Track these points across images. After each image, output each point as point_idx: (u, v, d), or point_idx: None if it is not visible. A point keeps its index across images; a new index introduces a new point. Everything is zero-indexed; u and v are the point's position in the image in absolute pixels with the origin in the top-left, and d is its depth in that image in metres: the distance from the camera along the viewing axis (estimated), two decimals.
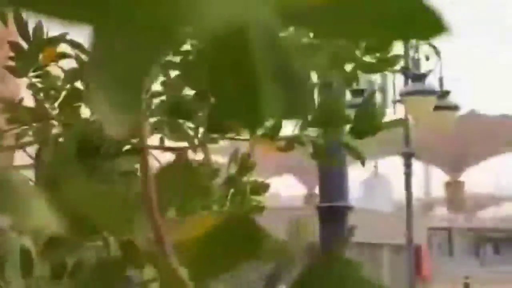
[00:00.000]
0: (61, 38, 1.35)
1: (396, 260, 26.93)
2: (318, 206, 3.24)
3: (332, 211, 3.11)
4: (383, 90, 11.70)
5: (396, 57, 1.27)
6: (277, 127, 1.16)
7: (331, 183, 3.14)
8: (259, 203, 1.49)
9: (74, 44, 1.32)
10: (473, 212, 73.96)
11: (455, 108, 10.79)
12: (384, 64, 1.26)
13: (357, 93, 10.97)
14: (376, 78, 11.77)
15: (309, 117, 1.15)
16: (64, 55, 1.37)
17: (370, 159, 46.33)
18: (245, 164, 1.41)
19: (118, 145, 1.02)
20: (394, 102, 11.46)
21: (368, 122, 1.17)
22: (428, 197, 74.17)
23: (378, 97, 11.95)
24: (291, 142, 1.19)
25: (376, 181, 39.47)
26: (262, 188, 1.47)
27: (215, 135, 1.20)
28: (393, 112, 11.79)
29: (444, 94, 10.76)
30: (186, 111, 1.12)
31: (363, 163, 1.25)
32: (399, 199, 14.14)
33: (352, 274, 0.47)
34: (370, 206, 34.18)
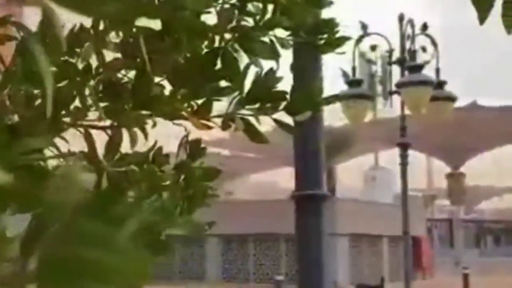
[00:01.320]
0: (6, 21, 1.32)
1: (395, 251, 26.98)
2: (294, 194, 3.21)
3: (308, 200, 3.08)
4: (382, 81, 11.67)
5: (343, 39, 1.24)
6: (208, 104, 1.13)
7: (307, 171, 3.11)
8: (212, 189, 1.46)
9: (19, 26, 1.29)
10: (474, 203, 73.95)
11: (452, 98, 10.74)
12: (330, 46, 1.23)
13: (355, 83, 10.85)
14: (377, 69, 11.79)
15: (244, 94, 1.12)
16: (10, 37, 1.34)
17: (371, 151, 46.22)
18: (195, 150, 1.38)
19: (30, 122, 1.01)
20: (391, 93, 11.43)
21: (304, 98, 1.14)
22: (430, 188, 74.10)
23: (378, 88, 11.91)
24: (226, 120, 1.15)
25: (377, 173, 39.47)
26: (213, 174, 1.44)
27: (145, 113, 1.17)
28: (389, 103, 11.78)
29: (441, 84, 10.70)
30: (117, 91, 1.10)
31: (295, 135, 1.22)
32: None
33: (95, 230, 0.45)
34: (371, 197, 34.21)
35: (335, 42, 1.21)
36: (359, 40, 11.04)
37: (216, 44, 1.10)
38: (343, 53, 1.26)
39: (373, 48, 11.09)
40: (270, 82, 1.13)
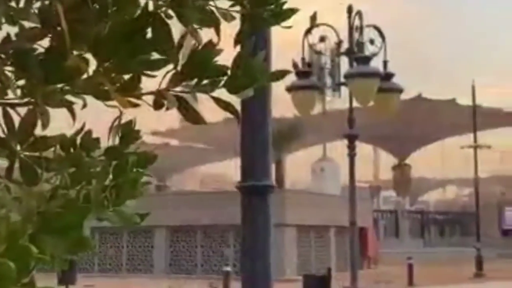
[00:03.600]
0: None
1: (342, 241, 27.30)
2: (240, 185, 3.12)
3: (255, 190, 2.99)
4: (332, 72, 11.69)
5: (291, 11, 1.14)
6: (136, 79, 1.01)
7: (254, 161, 3.02)
8: (147, 176, 1.34)
9: None
10: (419, 195, 75.67)
11: (399, 90, 10.83)
12: (277, 18, 1.13)
13: (304, 74, 10.78)
14: (326, 61, 11.79)
15: (178, 68, 1.01)
16: None
17: (320, 142, 46.66)
18: (128, 133, 1.26)
19: None
20: (339, 84, 11.46)
21: (246, 74, 1.03)
22: (376, 180, 75.41)
23: (327, 79, 11.92)
24: (158, 98, 1.04)
25: (325, 165, 39.87)
26: (149, 160, 1.32)
27: (64, 89, 1.04)
28: (338, 94, 11.82)
29: (388, 76, 10.77)
30: (30, 63, 0.97)
31: (236, 116, 1.11)
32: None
33: None
34: (319, 189, 34.52)
35: (282, 14, 1.11)
36: (308, 31, 11.01)
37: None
38: (290, 27, 1.16)
39: (322, 39, 11.08)
40: (208, 55, 1.02)
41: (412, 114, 46.30)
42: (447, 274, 27.69)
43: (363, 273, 22.99)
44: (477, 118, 30.14)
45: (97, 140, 1.32)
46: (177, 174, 68.40)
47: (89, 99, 1.19)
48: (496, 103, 70.14)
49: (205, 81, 1.05)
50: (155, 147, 1.50)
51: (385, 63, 10.82)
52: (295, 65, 10.62)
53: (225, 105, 1.07)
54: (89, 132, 1.35)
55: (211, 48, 1.04)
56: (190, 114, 1.06)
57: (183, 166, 67.14)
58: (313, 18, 11.20)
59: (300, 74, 10.44)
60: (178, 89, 1.05)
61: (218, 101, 1.07)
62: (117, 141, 1.30)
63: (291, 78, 10.53)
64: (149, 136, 57.44)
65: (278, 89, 10.69)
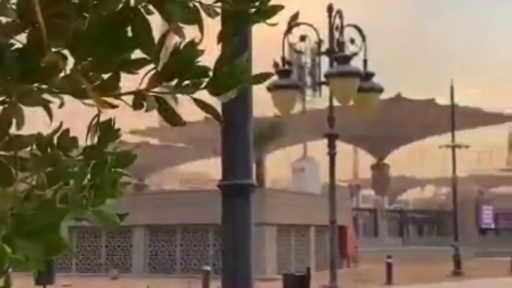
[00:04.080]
0: None
1: (322, 240, 27.38)
2: (221, 184, 3.10)
3: (235, 189, 2.97)
4: (312, 72, 11.69)
5: (276, 8, 1.11)
6: (115, 78, 0.98)
7: (235, 160, 3.00)
8: (126, 176, 1.31)
9: None
10: (398, 193, 76.23)
11: (379, 90, 10.86)
12: (262, 15, 1.10)
13: (284, 73, 10.75)
14: (306, 60, 11.79)
15: (159, 68, 0.98)
16: None
17: (300, 141, 46.75)
18: (107, 132, 1.23)
19: None
20: (320, 83, 11.47)
21: (228, 75, 1.01)
22: (356, 179, 75.79)
23: (308, 78, 11.92)
24: (138, 98, 1.01)
25: (306, 164, 39.96)
26: (128, 159, 1.29)
27: (41, 88, 1.01)
28: (318, 94, 11.83)
29: (369, 76, 10.80)
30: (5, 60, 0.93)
31: (218, 119, 1.09)
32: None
33: None
34: (300, 188, 34.57)
35: (268, 11, 1.09)
36: (289, 30, 11.00)
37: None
38: (275, 24, 1.14)
39: (302, 38, 11.07)
40: (190, 55, 0.99)
41: (391, 114, 46.61)
42: (426, 272, 27.91)
43: (342, 272, 23.08)
44: (455, 118, 30.41)
45: (75, 139, 1.29)
46: (157, 173, 68.13)
47: (68, 97, 1.15)
48: (475, 103, 70.82)
49: (186, 82, 1.02)
50: (135, 146, 1.46)
51: (365, 62, 10.84)
52: (276, 64, 10.61)
53: (207, 108, 1.04)
54: (67, 131, 1.32)
55: (193, 48, 1.01)
56: (170, 116, 1.03)
57: (163, 165, 66.89)
58: (294, 17, 11.21)
59: (280, 73, 10.42)
60: (158, 89, 1.02)
61: (199, 103, 1.04)
62: (95, 140, 1.27)
63: (271, 77, 10.52)
64: (128, 135, 57.13)
65: (258, 88, 10.66)
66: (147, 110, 1.02)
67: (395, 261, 24.07)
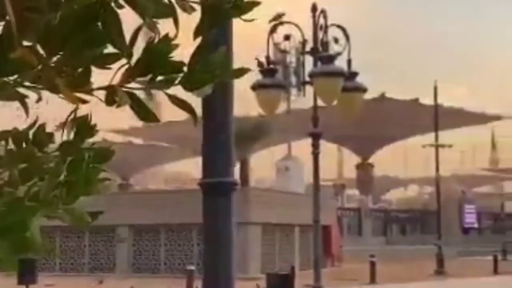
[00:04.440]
0: None
1: (306, 240, 27.42)
2: (201, 182, 3.08)
3: (216, 187, 2.96)
4: (296, 71, 11.69)
5: (253, 3, 1.10)
6: (87, 73, 0.97)
7: (215, 158, 2.98)
8: (104, 173, 1.29)
9: None
10: (382, 193, 76.58)
11: (362, 89, 10.89)
12: (239, 10, 1.09)
13: (268, 73, 10.74)
14: (291, 60, 11.79)
15: (133, 63, 0.97)
16: None
17: (285, 141, 46.84)
18: (83, 128, 1.21)
19: None
20: (304, 83, 11.47)
21: (204, 70, 0.99)
22: (340, 178, 75.99)
23: (292, 78, 11.92)
24: (110, 94, 0.99)
25: (290, 163, 40.02)
26: (105, 156, 1.27)
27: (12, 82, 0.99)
28: (302, 93, 11.84)
29: (352, 75, 10.82)
30: None
31: (193, 116, 1.07)
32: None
33: None
34: (284, 187, 34.61)
35: (244, 7, 1.07)
36: (273, 29, 10.99)
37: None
38: (251, 20, 1.12)
39: (287, 37, 11.07)
40: (164, 50, 0.97)
41: (376, 114, 46.79)
42: (409, 271, 28.06)
43: (326, 271, 23.13)
44: (439, 118, 30.61)
45: (51, 134, 1.27)
46: (141, 173, 67.85)
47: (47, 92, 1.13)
48: (459, 103, 71.43)
49: (160, 78, 1.00)
50: (113, 144, 1.45)
51: (349, 62, 10.85)
52: (259, 63, 10.59)
53: (182, 104, 1.03)
54: (43, 126, 1.30)
55: (167, 42, 0.99)
56: (143, 112, 1.02)
57: (147, 165, 66.62)
58: (279, 16, 11.22)
59: (264, 72, 10.41)
60: (131, 85, 1.00)
61: (173, 99, 1.03)
62: (72, 136, 1.25)
63: (256, 77, 10.50)
64: (111, 134, 56.77)
65: (242, 87, 10.65)
66: (118, 106, 1.00)
67: (378, 260, 24.17)
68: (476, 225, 57.48)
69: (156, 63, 0.97)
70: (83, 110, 1.25)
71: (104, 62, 0.99)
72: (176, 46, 1.01)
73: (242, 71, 1.12)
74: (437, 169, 30.80)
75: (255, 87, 10.24)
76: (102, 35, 0.94)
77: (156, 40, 1.00)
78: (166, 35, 1.00)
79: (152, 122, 1.04)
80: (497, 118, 57.23)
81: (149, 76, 1.00)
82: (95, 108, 1.23)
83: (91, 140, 1.32)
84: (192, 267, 19.90)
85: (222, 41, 2.87)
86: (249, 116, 42.03)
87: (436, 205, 32.50)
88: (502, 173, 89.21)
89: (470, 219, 56.59)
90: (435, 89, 31.31)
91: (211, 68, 1.00)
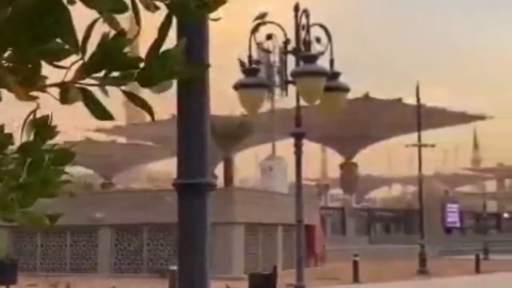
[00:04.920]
0: None
1: (289, 239, 27.44)
2: (176, 182, 3.04)
3: (191, 188, 2.92)
4: (280, 71, 11.67)
5: (218, 2, 1.07)
6: (37, 70, 0.93)
7: (190, 158, 2.94)
8: (67, 175, 1.25)
9: None
10: (366, 192, 76.89)
11: (345, 89, 10.89)
12: (204, 9, 1.06)
13: (251, 72, 10.71)
14: (275, 59, 11.76)
15: (86, 58, 0.93)
16: None
17: (269, 140, 46.83)
18: (43, 130, 1.17)
19: None
20: (286, 82, 11.45)
21: (160, 66, 0.96)
22: (324, 178, 76.21)
23: (276, 77, 11.90)
24: (63, 91, 0.95)
25: (274, 163, 40.02)
26: (67, 157, 1.23)
27: None
28: (285, 93, 11.82)
29: (335, 75, 10.82)
30: None
31: (151, 115, 1.03)
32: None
33: None
34: (269, 187, 34.61)
35: (210, 5, 1.04)
36: (256, 29, 10.96)
37: None
38: (218, 19, 1.09)
39: (269, 37, 11.03)
40: (118, 45, 0.94)
41: (359, 113, 46.95)
42: (392, 270, 28.19)
43: (310, 270, 23.15)
44: (422, 118, 30.77)
45: (10, 135, 1.23)
46: (124, 172, 67.51)
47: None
48: (442, 103, 71.95)
49: (116, 74, 0.97)
50: (74, 144, 1.40)
51: (331, 62, 10.85)
52: (242, 63, 10.55)
53: (140, 102, 0.99)
54: (1, 127, 1.26)
55: (122, 38, 0.95)
56: (98, 110, 0.98)
57: (130, 164, 66.31)
58: (261, 16, 11.19)
59: (246, 72, 10.37)
60: (86, 81, 0.96)
61: (130, 96, 0.99)
62: (32, 137, 1.20)
63: (239, 76, 10.48)
64: (95, 133, 56.44)
65: (227, 86, 10.64)
66: (70, 103, 0.97)
67: (362, 259, 24.24)
68: (458, 225, 57.90)
69: (110, 58, 0.94)
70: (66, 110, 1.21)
71: (55, 57, 0.95)
72: (130, 41, 0.97)
73: (202, 68, 1.08)
74: (420, 168, 30.97)
75: (237, 86, 10.20)
76: (52, 30, 0.90)
77: (111, 35, 0.96)
78: (122, 30, 0.97)
79: (107, 120, 1.00)
80: (480, 118, 57.70)
81: (103, 72, 0.96)
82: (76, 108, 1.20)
83: (53, 141, 1.28)
84: (175, 267, 19.82)
85: (197, 39, 2.83)
86: (233, 116, 41.98)
87: (419, 205, 32.68)
88: (484, 172, 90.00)
89: (453, 218, 56.99)
90: (417, 89, 31.50)
91: (168, 64, 0.97)
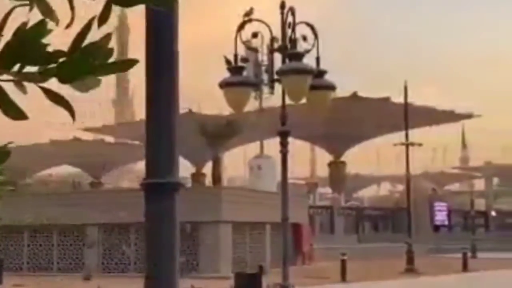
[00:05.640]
0: None
1: (277, 238, 27.37)
2: (143, 182, 2.96)
3: (159, 188, 2.84)
4: (268, 69, 11.59)
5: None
6: None
7: (158, 158, 2.86)
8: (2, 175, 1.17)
9: None
10: (354, 191, 77.02)
11: (331, 88, 10.83)
12: None
13: (236, 70, 10.63)
14: (263, 58, 11.69)
15: None
16: None
17: (258, 139, 46.83)
18: None
19: None
20: (273, 80, 11.38)
21: (81, 61, 0.87)
22: (313, 176, 76.28)
23: (264, 76, 11.82)
24: None
25: (262, 162, 39.97)
26: (1, 157, 1.15)
27: None
28: (271, 91, 11.75)
29: (321, 74, 10.75)
30: None
31: (71, 114, 0.95)
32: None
33: None
34: (257, 186, 34.55)
35: None
36: (242, 26, 10.88)
37: None
38: (162, 8, 1.01)
39: (254, 35, 10.95)
40: (34, 36, 0.84)
41: (348, 112, 46.98)
42: (380, 269, 28.20)
43: (297, 269, 23.10)
44: (410, 117, 30.81)
45: None
46: (113, 171, 67.21)
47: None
48: (430, 102, 72.20)
49: (34, 69, 0.87)
50: (8, 142, 1.32)
51: (317, 60, 10.79)
52: (227, 61, 10.46)
53: (59, 100, 0.91)
54: None
55: (41, 28, 0.86)
56: (9, 108, 0.88)
57: (119, 163, 66.03)
58: (247, 13, 11.10)
59: (232, 70, 10.29)
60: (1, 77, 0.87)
61: (50, 94, 0.90)
62: None
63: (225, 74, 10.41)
64: (83, 132, 56.14)
65: (215, 85, 10.56)
66: None
67: (350, 258, 24.21)
68: (446, 223, 58.10)
69: (26, 51, 0.84)
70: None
71: None
72: (48, 31, 0.87)
73: (127, 64, 0.99)
74: (408, 167, 31.01)
75: (222, 85, 10.12)
76: None
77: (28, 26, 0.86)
78: (42, 21, 0.87)
79: (19, 119, 0.91)
80: (468, 116, 57.92)
81: (18, 66, 0.87)
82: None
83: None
84: None
85: (167, 35, 2.75)
86: (222, 115, 41.87)
87: (407, 203, 32.73)
88: (472, 171, 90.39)
89: (441, 216, 57.18)
90: (405, 88, 31.54)
91: (89, 59, 0.87)
